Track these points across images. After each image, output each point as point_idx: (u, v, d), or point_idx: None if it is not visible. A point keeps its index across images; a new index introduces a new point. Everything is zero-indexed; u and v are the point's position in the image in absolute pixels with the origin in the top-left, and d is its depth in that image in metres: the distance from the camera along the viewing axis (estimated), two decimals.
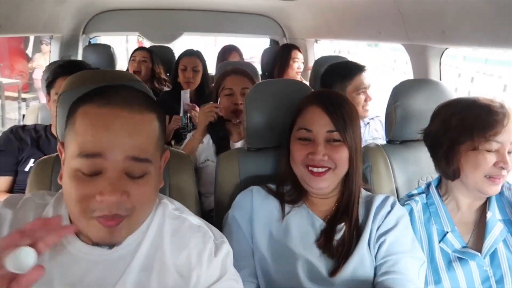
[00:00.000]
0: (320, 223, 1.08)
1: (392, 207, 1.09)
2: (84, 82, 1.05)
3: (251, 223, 1.09)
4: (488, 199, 1.17)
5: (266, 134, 1.31)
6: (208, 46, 8.64)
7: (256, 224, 1.08)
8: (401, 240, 1.04)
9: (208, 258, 0.82)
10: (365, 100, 1.85)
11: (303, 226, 1.08)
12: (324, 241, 1.04)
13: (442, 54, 1.76)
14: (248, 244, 1.07)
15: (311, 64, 2.86)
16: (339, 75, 1.92)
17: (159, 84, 3.01)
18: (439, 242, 1.14)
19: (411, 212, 1.20)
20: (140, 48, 3.09)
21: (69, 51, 3.02)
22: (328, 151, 1.03)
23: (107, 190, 0.71)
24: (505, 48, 1.42)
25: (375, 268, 1.03)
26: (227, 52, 3.20)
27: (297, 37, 3.29)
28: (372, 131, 1.96)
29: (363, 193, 1.14)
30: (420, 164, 1.45)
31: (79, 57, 3.06)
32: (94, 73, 1.19)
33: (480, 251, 1.10)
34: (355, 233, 1.05)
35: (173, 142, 2.44)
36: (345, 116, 1.04)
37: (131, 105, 0.75)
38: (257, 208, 1.10)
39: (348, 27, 2.42)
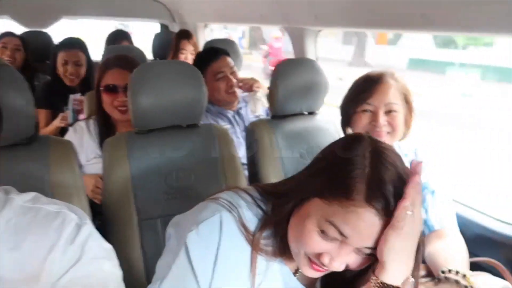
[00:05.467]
0: None
1: None
2: None
3: (213, 270, 0.73)
4: None
5: (155, 115, 1.29)
6: None
7: (218, 274, 0.74)
8: None
9: (63, 245, 0.71)
10: (228, 85, 1.83)
11: None
12: None
13: (317, 35, 1.94)
14: None
15: (201, 48, 2.88)
16: (201, 61, 1.83)
17: (33, 75, 2.65)
18: None
19: None
20: (9, 34, 2.61)
21: None
22: None
23: None
24: (367, 29, 1.62)
25: None
26: (118, 38, 3.03)
27: (187, 21, 3.26)
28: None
29: None
30: (301, 136, 1.60)
31: None
32: None
33: None
34: None
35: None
36: None
37: None
38: (224, 249, 0.74)
39: (233, 11, 2.49)
